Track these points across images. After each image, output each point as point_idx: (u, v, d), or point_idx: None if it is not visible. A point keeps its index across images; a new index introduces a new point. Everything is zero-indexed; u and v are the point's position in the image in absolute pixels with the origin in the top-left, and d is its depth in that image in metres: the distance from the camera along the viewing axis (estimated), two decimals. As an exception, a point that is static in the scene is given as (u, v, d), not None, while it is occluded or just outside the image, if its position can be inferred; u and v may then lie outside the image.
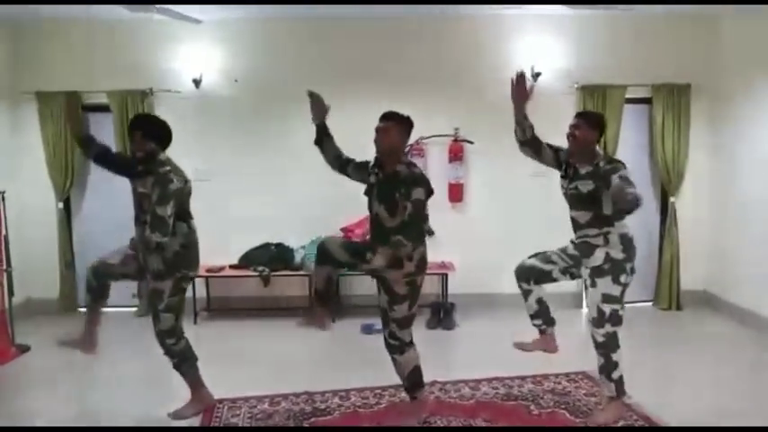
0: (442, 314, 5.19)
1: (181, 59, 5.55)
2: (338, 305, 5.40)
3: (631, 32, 5.56)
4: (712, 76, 5.58)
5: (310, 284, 5.49)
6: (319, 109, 3.26)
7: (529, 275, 3.34)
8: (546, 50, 5.55)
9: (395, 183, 2.95)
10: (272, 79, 5.63)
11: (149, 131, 3.19)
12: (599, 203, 3.10)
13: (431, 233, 5.70)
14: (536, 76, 5.53)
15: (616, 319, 3.11)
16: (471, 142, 5.62)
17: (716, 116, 5.59)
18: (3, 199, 4.53)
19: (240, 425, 3.29)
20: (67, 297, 5.63)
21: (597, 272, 3.13)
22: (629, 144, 5.66)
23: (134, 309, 5.60)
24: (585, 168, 3.15)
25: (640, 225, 5.84)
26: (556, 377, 3.85)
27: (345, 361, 4.40)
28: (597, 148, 3.22)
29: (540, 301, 3.36)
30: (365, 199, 3.18)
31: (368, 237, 3.46)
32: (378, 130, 3.05)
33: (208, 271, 5.42)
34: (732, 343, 4.69)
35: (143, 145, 3.16)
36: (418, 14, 5.43)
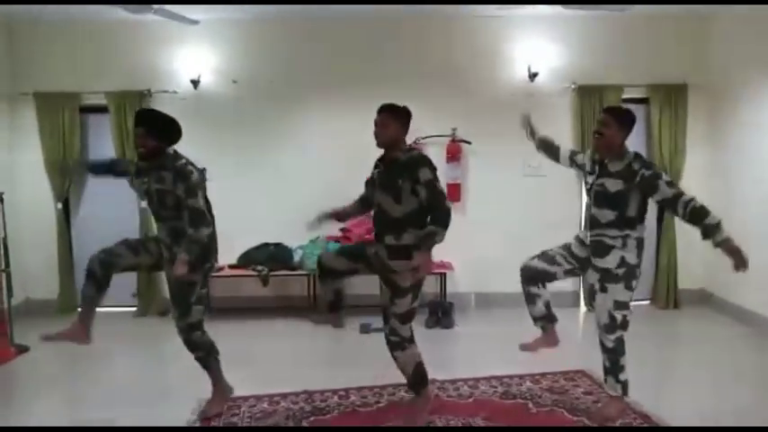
0: (441, 313, 5.20)
1: (179, 60, 5.56)
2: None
3: (628, 32, 5.58)
4: (709, 75, 5.61)
5: (309, 284, 5.51)
6: None
7: (536, 278, 3.29)
8: (542, 50, 5.57)
9: (395, 170, 2.99)
10: (271, 79, 5.64)
11: (154, 127, 3.13)
12: (625, 204, 3.05)
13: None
14: (533, 76, 5.56)
15: (626, 325, 3.14)
16: (469, 142, 5.64)
17: (713, 116, 5.61)
18: (1, 200, 4.53)
19: (240, 424, 3.29)
20: (66, 298, 5.62)
21: (609, 277, 3.10)
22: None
23: (133, 309, 5.61)
24: (616, 166, 3.08)
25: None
26: (554, 376, 3.87)
27: (344, 360, 4.41)
28: (626, 145, 3.14)
29: (546, 305, 3.33)
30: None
31: (366, 237, 3.47)
32: (376, 122, 3.08)
33: (207, 271, 5.43)
34: (730, 342, 4.71)
35: (147, 140, 3.10)
36: (416, 14, 5.44)
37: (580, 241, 3.27)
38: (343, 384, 3.73)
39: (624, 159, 3.09)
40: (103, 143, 5.51)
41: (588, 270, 3.23)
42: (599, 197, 3.12)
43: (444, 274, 5.49)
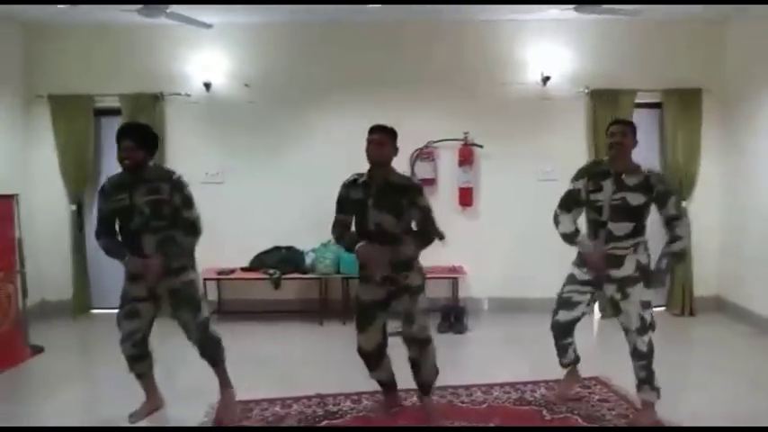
0: (453, 318, 5.18)
1: (192, 63, 5.59)
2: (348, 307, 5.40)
3: (641, 36, 5.55)
4: (723, 80, 5.56)
5: (321, 287, 5.50)
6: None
7: (568, 330, 3.40)
8: (556, 55, 5.55)
9: (395, 191, 3.12)
10: (283, 83, 5.66)
11: (143, 140, 3.22)
12: (642, 215, 3.17)
13: (442, 237, 5.69)
14: (546, 80, 5.54)
15: (654, 325, 3.19)
16: (480, 146, 5.62)
17: (727, 120, 5.56)
18: (17, 202, 4.57)
19: (252, 428, 3.29)
20: (81, 299, 5.66)
21: (627, 282, 3.15)
22: (639, 149, 5.52)
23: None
24: (633, 180, 3.15)
25: (652, 230, 5.82)
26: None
27: (357, 364, 4.37)
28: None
29: (575, 349, 3.49)
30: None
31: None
32: (374, 142, 3.13)
33: (219, 273, 5.44)
34: (746, 348, 4.65)
35: (136, 153, 3.17)
36: (429, 19, 5.45)
37: (578, 267, 3.33)
38: (355, 388, 3.71)
39: (640, 172, 3.18)
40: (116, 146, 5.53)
41: (603, 285, 3.25)
42: (618, 211, 3.16)
43: (457, 278, 5.47)
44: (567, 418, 3.34)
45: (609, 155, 3.23)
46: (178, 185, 3.22)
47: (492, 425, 3.27)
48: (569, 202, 3.35)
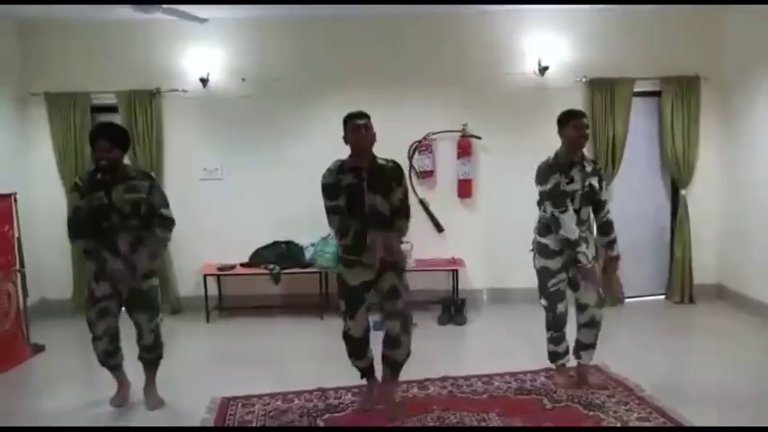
0: (453, 310, 5.18)
1: (187, 59, 5.56)
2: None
3: (639, 25, 5.51)
4: (722, 67, 5.53)
5: (321, 281, 5.50)
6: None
7: (565, 321, 3.55)
8: (553, 44, 5.52)
9: (385, 174, 3.19)
10: (281, 76, 5.62)
11: (119, 139, 3.30)
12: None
13: (440, 229, 5.71)
14: (543, 70, 5.51)
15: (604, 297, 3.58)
16: (479, 137, 5.60)
17: (726, 108, 5.54)
18: (15, 200, 4.56)
19: (254, 423, 3.30)
20: (81, 298, 5.64)
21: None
22: (638, 137, 5.63)
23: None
24: (589, 166, 3.47)
25: (651, 219, 5.83)
26: (568, 371, 3.83)
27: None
28: None
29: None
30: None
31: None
32: (362, 127, 3.16)
33: (219, 269, 5.44)
34: (746, 336, 4.65)
35: (112, 153, 3.24)
36: (426, 11, 5.41)
37: (551, 254, 3.47)
38: (357, 382, 3.71)
39: (589, 160, 3.51)
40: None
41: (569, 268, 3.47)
42: (586, 197, 3.42)
43: (456, 270, 5.47)
44: (567, 407, 3.35)
45: (573, 146, 3.41)
46: (155, 184, 3.41)
47: (493, 414, 3.27)
48: (562, 198, 3.37)
